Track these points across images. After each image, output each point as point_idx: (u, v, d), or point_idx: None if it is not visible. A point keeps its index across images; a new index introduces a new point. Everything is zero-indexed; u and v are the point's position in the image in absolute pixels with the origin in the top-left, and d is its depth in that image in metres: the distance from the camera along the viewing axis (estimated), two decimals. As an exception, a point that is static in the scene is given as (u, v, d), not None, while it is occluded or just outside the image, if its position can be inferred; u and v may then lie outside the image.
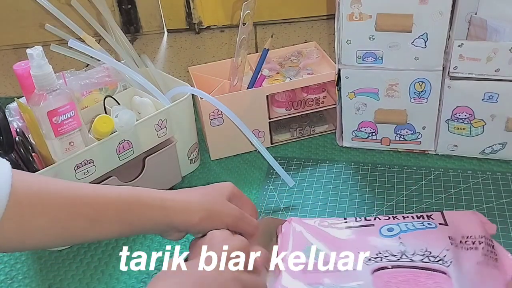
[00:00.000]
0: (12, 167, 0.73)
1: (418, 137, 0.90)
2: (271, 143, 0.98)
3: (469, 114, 0.84)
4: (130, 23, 1.52)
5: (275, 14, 1.48)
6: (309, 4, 1.45)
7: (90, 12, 0.89)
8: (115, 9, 1.48)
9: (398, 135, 0.91)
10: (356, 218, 0.69)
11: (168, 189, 0.89)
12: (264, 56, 0.92)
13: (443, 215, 0.67)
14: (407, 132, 0.90)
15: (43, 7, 0.82)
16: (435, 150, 0.91)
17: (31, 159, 0.75)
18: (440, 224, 0.65)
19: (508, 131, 0.83)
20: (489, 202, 0.80)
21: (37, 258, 0.80)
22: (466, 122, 0.85)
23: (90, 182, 0.78)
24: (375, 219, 0.68)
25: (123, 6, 1.48)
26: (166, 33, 1.54)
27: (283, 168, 0.85)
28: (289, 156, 0.95)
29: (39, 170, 0.73)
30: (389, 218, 0.68)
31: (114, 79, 0.91)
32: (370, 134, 0.92)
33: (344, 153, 0.95)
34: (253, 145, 0.85)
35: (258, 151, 0.84)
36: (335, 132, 0.97)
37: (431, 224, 0.65)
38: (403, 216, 0.67)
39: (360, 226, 0.67)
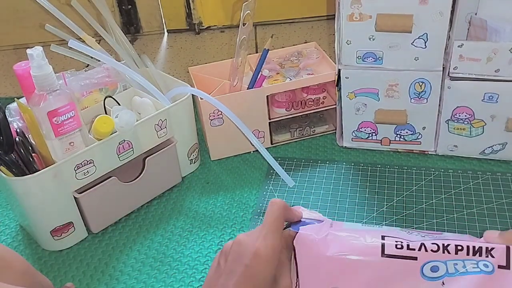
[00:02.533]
0: (12, 167, 0.73)
1: (418, 137, 0.90)
2: (271, 144, 0.98)
3: (469, 115, 0.84)
4: (130, 24, 1.52)
5: (275, 15, 1.48)
6: (309, 4, 1.45)
7: (90, 12, 0.89)
8: (115, 9, 1.48)
9: (398, 136, 0.91)
10: (396, 244, 0.54)
11: (168, 189, 0.90)
12: (264, 57, 0.92)
13: (508, 252, 0.52)
14: (407, 132, 0.90)
15: (43, 8, 0.82)
16: (435, 151, 0.91)
17: (31, 159, 0.75)
18: (499, 266, 0.52)
19: (508, 131, 0.83)
20: (489, 203, 0.80)
21: (37, 258, 0.80)
22: (466, 122, 0.85)
23: (90, 182, 0.78)
24: (419, 249, 0.54)
25: (123, 7, 1.48)
26: (166, 33, 1.54)
27: (283, 168, 0.85)
28: (289, 156, 0.95)
29: (39, 170, 0.73)
30: (438, 249, 0.54)
31: (114, 79, 0.91)
32: (370, 135, 0.92)
33: (344, 153, 0.95)
34: (253, 145, 0.85)
35: (258, 151, 0.84)
36: (335, 132, 0.97)
37: (487, 266, 0.52)
38: (455, 247, 0.53)
39: (400, 256, 0.54)
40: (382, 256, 0.53)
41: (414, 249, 0.53)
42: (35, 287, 0.58)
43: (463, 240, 0.54)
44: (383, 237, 0.54)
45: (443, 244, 0.53)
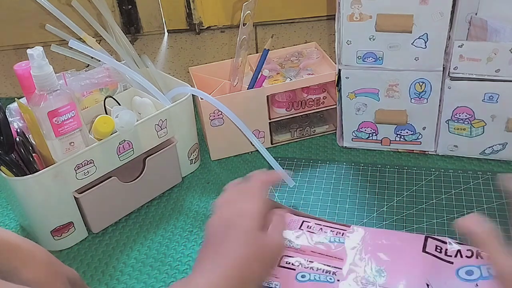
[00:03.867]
0: (12, 167, 0.73)
1: (419, 137, 0.90)
2: (271, 144, 0.98)
3: (470, 115, 0.84)
4: (131, 24, 1.52)
5: (276, 15, 1.48)
6: (309, 4, 1.45)
7: (90, 12, 0.89)
8: (116, 9, 1.48)
9: (399, 136, 0.91)
10: (436, 247, 0.60)
11: (168, 189, 0.90)
12: (265, 57, 0.92)
13: None
14: (407, 132, 0.90)
15: (44, 8, 0.82)
16: (435, 151, 0.91)
17: (31, 159, 0.75)
18: None
19: (508, 131, 0.83)
20: (490, 203, 0.80)
21: (38, 258, 0.80)
22: (467, 122, 0.85)
23: (90, 182, 0.78)
24: (456, 255, 0.58)
25: (124, 7, 1.48)
26: (166, 33, 1.54)
27: (283, 168, 0.85)
28: (289, 156, 0.95)
29: (39, 170, 0.73)
30: (472, 255, 0.57)
31: (114, 79, 0.91)
32: (371, 135, 0.92)
33: (344, 153, 0.95)
34: (253, 145, 0.85)
35: (258, 152, 0.84)
36: (335, 132, 0.97)
37: None
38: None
39: (438, 257, 0.59)
40: (422, 251, 0.59)
41: (450, 256, 0.58)
42: (60, 277, 0.58)
43: None
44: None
45: (476, 253, 0.57)
